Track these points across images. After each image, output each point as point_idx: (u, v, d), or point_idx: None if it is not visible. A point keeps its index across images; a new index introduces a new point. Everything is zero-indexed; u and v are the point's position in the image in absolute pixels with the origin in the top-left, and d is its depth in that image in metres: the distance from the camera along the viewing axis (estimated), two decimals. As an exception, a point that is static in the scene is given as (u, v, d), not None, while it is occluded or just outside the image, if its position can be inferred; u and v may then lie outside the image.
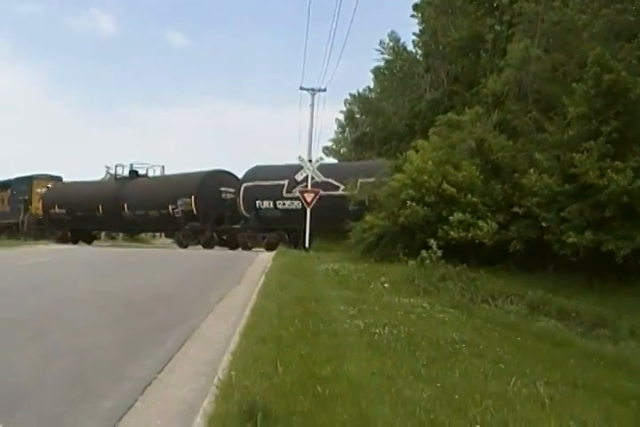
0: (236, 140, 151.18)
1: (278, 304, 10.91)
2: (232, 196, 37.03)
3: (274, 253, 27.33)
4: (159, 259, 27.60)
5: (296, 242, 33.69)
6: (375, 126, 47.83)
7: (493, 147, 23.82)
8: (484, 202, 22.47)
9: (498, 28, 35.30)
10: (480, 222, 21.48)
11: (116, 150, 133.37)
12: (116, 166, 43.72)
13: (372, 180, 27.58)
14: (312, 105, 44.80)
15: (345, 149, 61.37)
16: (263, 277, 16.69)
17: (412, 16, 44.21)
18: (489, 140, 24.13)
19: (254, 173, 36.63)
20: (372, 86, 55.95)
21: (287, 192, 34.08)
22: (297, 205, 33.01)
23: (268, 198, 34.88)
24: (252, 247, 35.75)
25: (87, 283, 15.51)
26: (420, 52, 46.69)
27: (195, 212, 37.48)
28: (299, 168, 32.75)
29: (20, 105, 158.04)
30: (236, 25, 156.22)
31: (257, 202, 35.24)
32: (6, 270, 19.82)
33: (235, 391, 5.49)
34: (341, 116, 62.10)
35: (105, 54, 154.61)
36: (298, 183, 32.69)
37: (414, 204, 22.31)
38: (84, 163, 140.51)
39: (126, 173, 43.23)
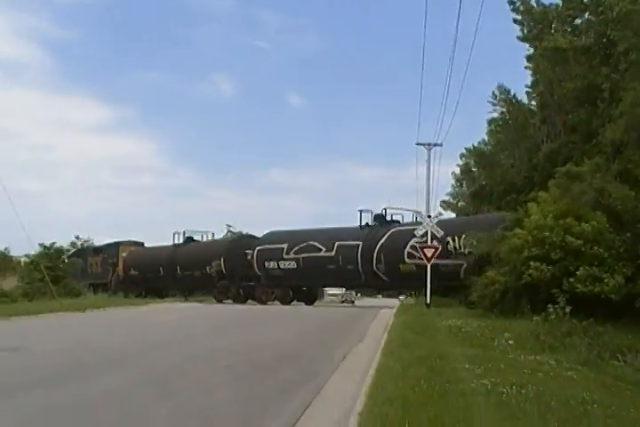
0: (353, 198, 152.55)
1: (402, 363, 10.82)
2: (256, 257, 41.69)
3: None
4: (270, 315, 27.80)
5: (299, 297, 41.13)
6: (492, 179, 47.40)
7: (615, 197, 23.22)
8: (611, 254, 21.84)
9: (614, 76, 34.66)
10: (606, 277, 20.84)
11: (239, 211, 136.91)
12: (184, 232, 49.44)
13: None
14: (428, 160, 44.74)
15: (463, 203, 61.03)
16: (386, 336, 16.64)
17: (526, 68, 44.10)
18: (610, 190, 23.56)
19: (267, 237, 42.70)
20: (488, 139, 55.70)
21: (286, 254, 39.34)
22: (293, 264, 39.10)
23: (274, 259, 39.95)
24: (267, 301, 41.08)
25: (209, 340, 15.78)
26: (534, 103, 46.33)
27: (224, 271, 43.25)
28: (303, 233, 40.35)
29: (148, 169, 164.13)
30: (347, 83, 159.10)
31: (265, 262, 40.43)
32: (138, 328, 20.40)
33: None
34: (457, 170, 61.95)
35: (225, 117, 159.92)
36: (294, 246, 38.97)
37: (538, 263, 21.89)
38: (209, 223, 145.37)
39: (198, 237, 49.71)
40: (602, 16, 36.36)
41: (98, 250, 56.93)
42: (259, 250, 41.01)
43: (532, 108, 46.50)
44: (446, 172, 71.80)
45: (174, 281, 47.45)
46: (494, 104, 50.11)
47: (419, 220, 32.79)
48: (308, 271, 38.60)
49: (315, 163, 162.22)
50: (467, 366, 10.85)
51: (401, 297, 61.53)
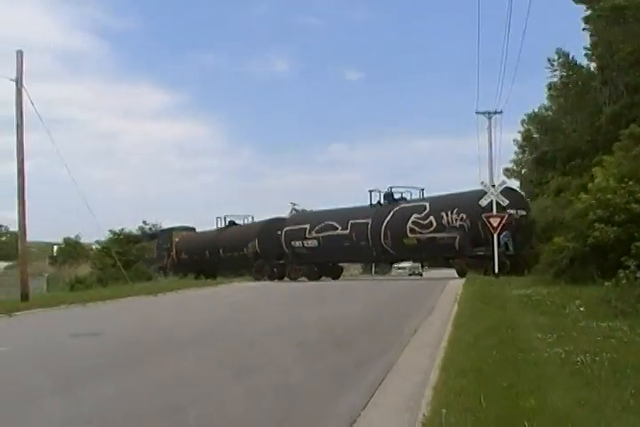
0: (413, 169, 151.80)
1: (474, 334, 10.89)
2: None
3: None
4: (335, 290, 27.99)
5: (325, 272, 43.95)
6: (555, 145, 46.76)
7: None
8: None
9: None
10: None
11: (301, 188, 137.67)
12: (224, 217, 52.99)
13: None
14: (489, 128, 44.35)
15: (526, 170, 60.21)
16: (456, 307, 16.69)
17: (584, 29, 43.21)
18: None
19: (293, 218, 47.23)
20: (547, 105, 54.82)
21: (308, 233, 42.81)
22: (315, 243, 42.55)
23: (298, 239, 43.38)
24: (295, 278, 43.45)
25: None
26: (594, 65, 45.47)
27: (258, 251, 46.64)
28: (323, 213, 44.50)
29: (207, 151, 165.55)
30: (402, 54, 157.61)
31: (292, 242, 43.80)
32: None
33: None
34: (519, 137, 61.07)
35: (281, 95, 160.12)
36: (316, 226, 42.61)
37: (603, 225, 21.60)
38: (271, 202, 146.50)
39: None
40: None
41: (153, 236, 60.74)
42: (286, 231, 44.58)
43: (592, 70, 45.62)
44: (508, 139, 70.84)
45: (219, 263, 50.20)
46: (553, 68, 49.27)
47: (484, 187, 32.59)
48: (328, 249, 41.71)
49: (374, 137, 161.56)
50: (538, 335, 10.84)
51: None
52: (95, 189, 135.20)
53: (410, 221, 37.40)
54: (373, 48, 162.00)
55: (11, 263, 53.30)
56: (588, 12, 41.71)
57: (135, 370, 9.74)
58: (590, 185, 23.52)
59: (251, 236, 47.87)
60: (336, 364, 9.65)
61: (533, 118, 56.78)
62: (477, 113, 45.25)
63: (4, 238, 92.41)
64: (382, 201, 40.92)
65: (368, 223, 39.66)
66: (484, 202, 31.62)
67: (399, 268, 62.95)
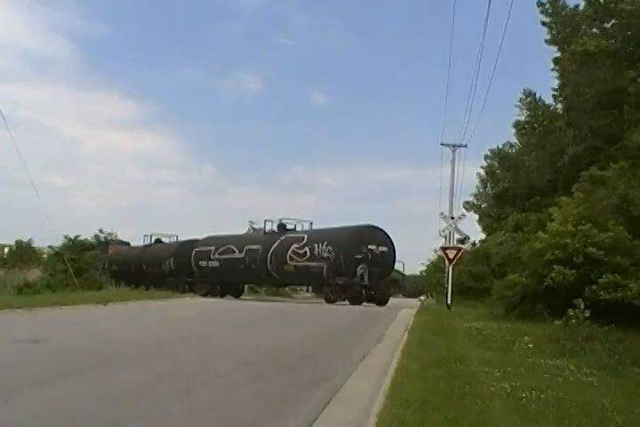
0: (376, 196, 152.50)
1: (421, 364, 10.87)
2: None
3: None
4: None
5: (226, 291, 48.00)
6: (516, 181, 47.19)
7: (638, 203, 23.09)
8: (633, 262, 21.73)
9: (640, 80, 34.44)
10: (629, 283, 20.72)
11: (262, 208, 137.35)
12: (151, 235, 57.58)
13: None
14: (452, 161, 44.56)
15: (485, 204, 60.68)
16: (406, 336, 16.68)
17: (553, 70, 43.81)
18: (634, 196, 23.43)
19: (203, 240, 51.11)
20: (512, 141, 55.39)
21: (212, 255, 48.11)
22: (217, 264, 47.65)
23: (205, 259, 48.84)
24: (201, 295, 46.17)
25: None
26: (560, 106, 46.07)
27: (173, 269, 52.20)
28: (226, 238, 48.83)
29: (169, 165, 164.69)
30: (371, 83, 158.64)
31: (200, 262, 49.31)
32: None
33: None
34: (482, 171, 61.57)
35: (249, 114, 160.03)
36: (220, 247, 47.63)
37: (562, 267, 21.81)
38: (230, 219, 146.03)
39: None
40: (625, 20, 36.12)
41: (93, 247, 61.37)
42: (195, 251, 50.20)
43: (558, 111, 46.24)
44: (471, 173, 71.32)
45: (143, 277, 52.87)
46: (521, 107, 49.89)
47: (442, 219, 33.00)
48: (227, 270, 46.85)
49: (337, 162, 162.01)
50: (486, 369, 10.89)
51: (421, 297, 61.57)
52: (53, 193, 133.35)
53: (290, 250, 42.46)
54: (343, 74, 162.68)
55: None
56: (559, 54, 42.34)
57: (76, 380, 9.53)
58: (549, 225, 23.74)
59: (169, 254, 53.04)
60: (279, 388, 9.54)
61: (497, 154, 57.34)
62: (442, 144, 45.39)
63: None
64: (276, 230, 46.33)
65: (259, 249, 44.78)
66: (442, 233, 31.91)
67: None
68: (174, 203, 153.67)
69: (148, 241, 58.46)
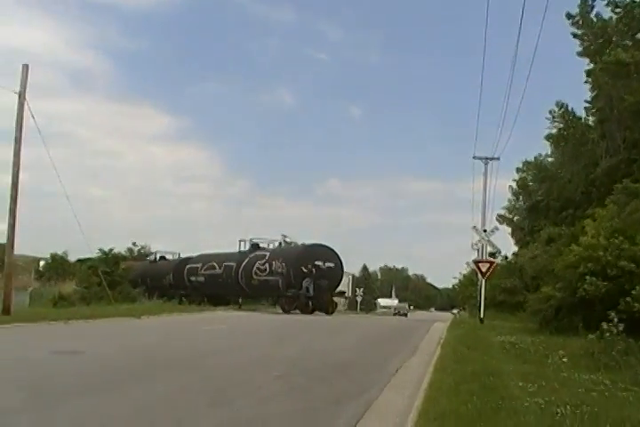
0: (406, 211, 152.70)
1: (455, 378, 10.83)
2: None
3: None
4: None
5: (214, 302, 50.49)
6: (550, 194, 46.96)
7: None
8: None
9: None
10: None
11: (296, 220, 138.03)
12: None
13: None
14: (485, 174, 44.41)
15: (518, 217, 60.41)
16: (439, 350, 16.62)
17: (586, 82, 43.60)
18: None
19: (195, 258, 57.41)
20: (545, 153, 55.17)
21: (200, 271, 54.51)
22: (203, 279, 54.07)
23: (194, 275, 55.22)
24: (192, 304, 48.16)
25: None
26: (592, 118, 45.82)
27: (172, 283, 57.02)
28: (211, 256, 55.09)
29: (204, 178, 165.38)
30: (406, 98, 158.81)
31: (191, 277, 55.54)
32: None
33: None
34: (514, 184, 61.27)
35: (284, 128, 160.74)
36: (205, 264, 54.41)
37: (594, 278, 21.62)
38: (266, 231, 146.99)
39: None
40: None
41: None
42: (188, 268, 56.50)
43: (591, 123, 45.98)
44: (503, 186, 71.05)
45: (148, 290, 54.73)
46: (553, 119, 49.65)
47: (475, 232, 32.81)
48: (210, 284, 53.22)
49: (371, 175, 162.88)
50: (520, 383, 10.80)
51: (454, 311, 61.41)
52: (87, 207, 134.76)
53: (255, 267, 48.82)
54: (378, 89, 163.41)
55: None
56: (591, 66, 42.14)
57: (112, 391, 9.61)
58: (581, 239, 23.56)
59: (168, 270, 59.00)
60: (316, 400, 9.56)
61: (531, 165, 57.09)
62: (475, 158, 45.23)
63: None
64: (248, 248, 52.20)
65: (233, 266, 51.09)
66: (475, 246, 31.83)
67: (383, 306, 67.56)
68: (208, 215, 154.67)
69: (153, 258, 65.12)
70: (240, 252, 52.90)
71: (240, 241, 53.98)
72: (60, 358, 13.26)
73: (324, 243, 48.82)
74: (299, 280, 44.38)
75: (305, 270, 44.43)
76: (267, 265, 47.91)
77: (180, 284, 56.43)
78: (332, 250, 47.99)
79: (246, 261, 50.13)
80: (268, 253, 49.53)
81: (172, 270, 58.26)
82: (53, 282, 56.88)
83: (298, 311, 43.92)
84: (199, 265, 55.48)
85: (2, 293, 26.45)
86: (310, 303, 44.65)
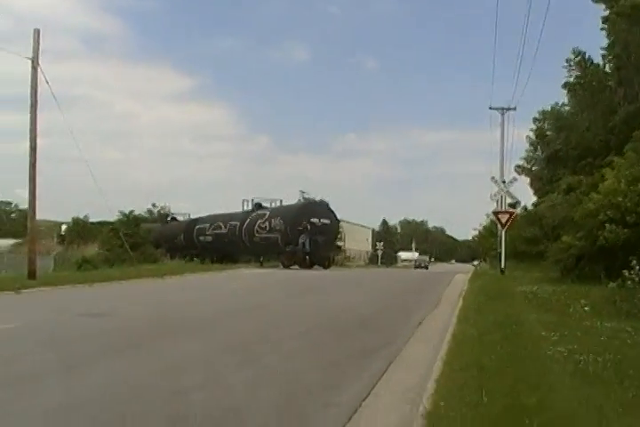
0: (424, 162, 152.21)
1: (478, 329, 10.91)
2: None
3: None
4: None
5: (222, 260, 52.69)
6: (568, 143, 46.56)
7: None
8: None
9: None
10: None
11: (314, 176, 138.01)
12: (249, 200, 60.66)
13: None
14: (502, 124, 44.06)
15: (537, 167, 59.98)
16: (461, 301, 16.72)
17: (602, 29, 42.88)
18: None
19: (203, 219, 61.26)
20: (562, 102, 54.52)
21: (207, 231, 58.36)
22: (210, 238, 58.06)
23: (202, 235, 59.16)
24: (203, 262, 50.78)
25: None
26: (609, 65, 45.18)
27: (183, 243, 60.30)
28: (217, 216, 58.77)
29: (222, 136, 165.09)
30: (419, 47, 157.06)
31: (199, 237, 59.44)
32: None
33: (441, 422, 5.56)
34: (532, 134, 60.70)
35: (298, 83, 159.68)
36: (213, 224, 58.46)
37: (614, 226, 21.54)
38: (283, 188, 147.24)
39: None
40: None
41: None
42: (197, 228, 60.50)
43: (608, 70, 45.34)
44: (520, 135, 70.51)
45: (163, 249, 57.71)
46: (570, 67, 48.99)
47: (494, 183, 32.73)
48: (217, 243, 56.80)
49: (388, 127, 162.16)
50: (543, 332, 10.87)
51: (475, 262, 61.51)
52: (107, 169, 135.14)
53: (257, 225, 52.28)
54: (391, 38, 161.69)
55: (19, 241, 53.39)
56: (607, 12, 41.42)
57: (140, 351, 9.79)
58: (601, 186, 23.43)
59: (180, 230, 62.38)
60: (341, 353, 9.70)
61: (548, 115, 56.50)
62: (491, 108, 44.83)
63: (13, 215, 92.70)
64: (252, 208, 55.62)
65: (236, 225, 54.62)
66: (494, 197, 31.75)
67: (404, 260, 69.64)
68: (228, 174, 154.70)
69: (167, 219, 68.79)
70: (244, 211, 56.76)
71: (244, 200, 58.19)
72: (88, 321, 13.45)
73: (324, 199, 55.15)
74: (296, 237, 47.44)
75: (300, 228, 47.42)
76: (267, 223, 51.36)
77: (190, 244, 59.75)
78: (329, 207, 52.57)
79: (249, 220, 53.72)
80: (267, 212, 53.00)
81: (183, 231, 61.75)
82: (76, 246, 57.29)
83: (297, 266, 46.59)
84: (207, 225, 59.33)
85: (26, 258, 26.69)
86: (308, 258, 47.34)
